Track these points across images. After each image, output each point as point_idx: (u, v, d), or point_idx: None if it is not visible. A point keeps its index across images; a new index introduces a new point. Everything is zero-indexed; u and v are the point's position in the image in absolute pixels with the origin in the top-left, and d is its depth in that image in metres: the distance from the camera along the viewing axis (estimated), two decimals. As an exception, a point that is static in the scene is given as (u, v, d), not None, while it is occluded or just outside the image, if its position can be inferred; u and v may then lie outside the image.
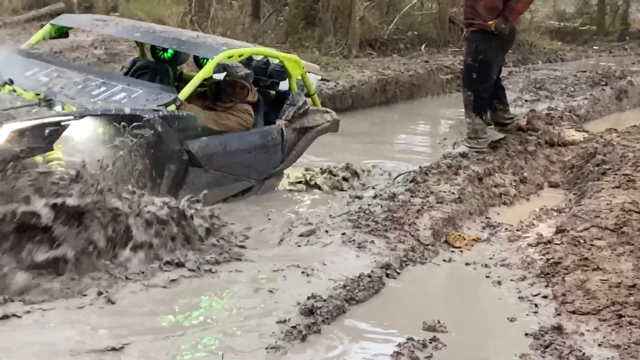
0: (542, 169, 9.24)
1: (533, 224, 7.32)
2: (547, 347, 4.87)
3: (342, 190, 8.21)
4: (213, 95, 7.80)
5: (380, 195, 7.64)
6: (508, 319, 5.40)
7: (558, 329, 5.05)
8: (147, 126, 6.47)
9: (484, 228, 7.35)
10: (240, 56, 7.43)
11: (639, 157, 8.41)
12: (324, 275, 5.82)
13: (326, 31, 16.68)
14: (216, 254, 5.96)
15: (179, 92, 6.96)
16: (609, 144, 9.12)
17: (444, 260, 6.49)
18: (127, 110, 6.43)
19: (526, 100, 13.45)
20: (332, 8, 16.92)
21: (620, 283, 5.51)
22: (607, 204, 6.94)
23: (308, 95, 8.22)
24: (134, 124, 6.40)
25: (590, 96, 13.56)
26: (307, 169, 8.66)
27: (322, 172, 8.59)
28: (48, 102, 6.41)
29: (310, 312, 5.11)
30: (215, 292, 5.49)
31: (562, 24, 23.68)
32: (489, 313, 5.70)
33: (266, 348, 4.67)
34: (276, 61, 8.23)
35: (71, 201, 5.39)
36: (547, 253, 6.25)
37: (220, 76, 7.47)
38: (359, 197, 7.78)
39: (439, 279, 6.31)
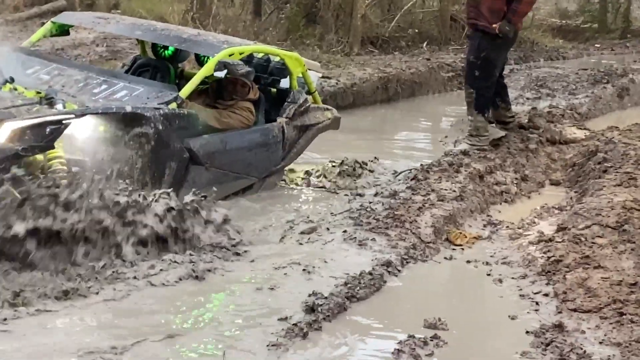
0: (543, 167, 9.24)
1: (534, 222, 7.32)
2: (548, 345, 4.87)
3: (346, 188, 8.19)
4: (214, 92, 7.79)
5: (382, 192, 7.65)
6: (509, 316, 5.40)
7: (559, 326, 5.05)
8: (148, 124, 6.47)
9: (485, 226, 7.35)
10: (241, 54, 7.42)
11: (641, 155, 8.41)
12: (325, 272, 5.82)
13: (327, 29, 16.67)
14: (217, 252, 5.96)
15: (180, 90, 6.96)
16: (610, 142, 9.11)
17: (445, 258, 6.49)
18: (129, 109, 6.43)
19: (528, 98, 13.44)
20: (334, 5, 16.92)
21: (621, 281, 5.51)
22: (609, 201, 6.93)
23: (309, 92, 8.22)
24: (135, 122, 6.41)
25: (591, 94, 13.55)
26: (311, 167, 8.67)
27: (324, 169, 8.60)
28: (49, 101, 6.40)
29: (311, 309, 5.12)
30: (216, 290, 5.49)
31: (563, 21, 23.66)
32: (490, 311, 5.70)
33: (267, 345, 4.67)
34: (277, 59, 8.22)
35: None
36: (548, 251, 6.25)
37: (221, 74, 7.46)
38: (360, 195, 7.79)
39: (440, 276, 6.31)
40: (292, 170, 8.37)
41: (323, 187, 8.21)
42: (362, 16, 16.63)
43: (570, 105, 12.29)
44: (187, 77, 7.94)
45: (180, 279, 5.48)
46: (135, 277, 5.40)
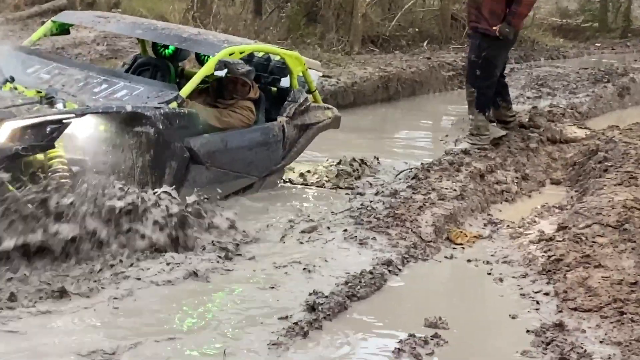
0: (544, 166, 9.24)
1: (535, 221, 7.31)
2: (548, 344, 4.87)
3: (346, 187, 8.19)
4: (215, 92, 7.79)
5: (382, 191, 7.65)
6: (509, 315, 5.40)
7: (559, 326, 5.05)
8: (149, 123, 6.47)
9: (485, 225, 7.35)
10: (241, 53, 7.42)
11: (641, 154, 8.41)
12: (325, 271, 5.82)
13: (328, 28, 16.67)
14: (218, 251, 5.96)
15: (180, 89, 6.95)
16: (610, 141, 9.10)
17: (446, 257, 6.49)
18: (129, 108, 6.42)
19: (528, 97, 13.44)
20: (334, 5, 16.91)
21: (621, 280, 5.51)
22: (609, 201, 6.93)
23: (309, 91, 8.22)
24: (136, 121, 6.41)
25: (592, 93, 13.54)
26: (311, 166, 8.67)
27: (326, 168, 8.60)
28: (49, 100, 6.40)
29: (312, 308, 5.12)
30: (217, 289, 5.49)
31: (564, 20, 23.65)
32: (491, 310, 5.70)
33: (268, 344, 4.67)
34: (277, 58, 8.22)
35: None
36: (549, 250, 6.25)
37: (221, 73, 7.47)
38: (361, 194, 7.78)
39: (441, 275, 6.31)
40: (292, 169, 8.36)
41: (323, 186, 8.21)
42: (362, 15, 16.62)
43: (570, 105, 12.29)
44: (188, 76, 7.94)
45: (181, 279, 5.48)
46: (136, 277, 5.39)
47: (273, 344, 4.67)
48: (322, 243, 6.39)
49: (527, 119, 10.25)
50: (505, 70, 10.11)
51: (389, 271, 5.90)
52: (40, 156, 6.06)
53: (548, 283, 5.78)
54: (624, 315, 5.09)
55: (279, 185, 8.04)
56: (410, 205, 7.09)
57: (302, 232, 6.62)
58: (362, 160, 8.82)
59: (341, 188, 8.13)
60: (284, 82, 8.21)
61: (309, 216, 7.06)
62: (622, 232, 6.31)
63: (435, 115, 13.27)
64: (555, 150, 9.72)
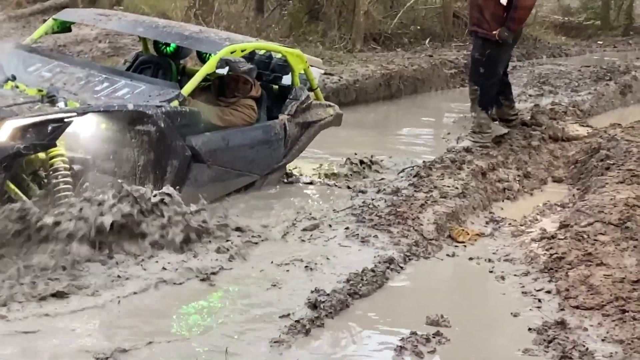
0: (545, 164, 9.23)
1: (537, 219, 7.31)
2: (550, 342, 4.88)
3: (353, 186, 8.19)
4: (216, 90, 7.79)
5: (384, 189, 7.64)
6: (511, 313, 5.40)
7: (561, 324, 5.05)
8: (150, 122, 6.47)
9: (487, 223, 7.35)
10: (243, 51, 7.42)
11: (643, 152, 8.40)
12: (327, 269, 5.83)
13: (330, 25, 16.65)
14: (220, 249, 5.96)
15: (182, 86, 6.95)
16: (613, 139, 9.09)
17: (448, 255, 6.49)
18: (130, 107, 6.42)
19: (530, 95, 13.42)
20: (336, 2, 16.89)
21: (623, 278, 5.51)
22: (611, 199, 6.93)
23: (311, 89, 8.21)
24: (137, 120, 6.41)
25: (594, 91, 13.52)
26: (313, 164, 8.68)
27: (328, 166, 8.62)
28: (51, 99, 6.40)
29: (314, 306, 5.13)
30: (218, 288, 5.49)
31: (566, 18, 23.61)
32: (493, 308, 5.70)
33: (270, 342, 4.68)
34: (279, 55, 8.22)
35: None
36: (551, 248, 6.24)
37: (223, 71, 7.47)
38: (363, 192, 7.78)
39: (443, 273, 6.31)
40: (294, 167, 8.36)
41: (326, 184, 8.21)
42: (364, 13, 16.61)
43: (572, 103, 12.28)
44: (189, 74, 7.95)
45: (184, 279, 5.48)
46: (138, 278, 5.39)
47: (275, 342, 4.68)
48: (323, 241, 6.39)
49: (529, 117, 10.24)
50: (508, 68, 10.10)
51: (391, 269, 5.90)
52: (41, 155, 6.06)
53: (550, 281, 5.77)
54: (626, 314, 5.09)
55: (281, 183, 8.03)
56: (412, 203, 7.09)
57: (304, 230, 6.62)
58: (369, 159, 8.83)
59: (346, 187, 8.12)
60: (286, 79, 8.20)
61: (310, 214, 7.06)
62: (624, 230, 6.31)
63: (437, 113, 13.25)
64: (557, 148, 9.71)
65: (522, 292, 5.73)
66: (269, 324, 4.92)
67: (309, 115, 8.01)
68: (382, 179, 8.34)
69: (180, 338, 4.71)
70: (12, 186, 5.93)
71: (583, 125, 10.58)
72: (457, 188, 7.61)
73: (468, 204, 7.47)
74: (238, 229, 6.39)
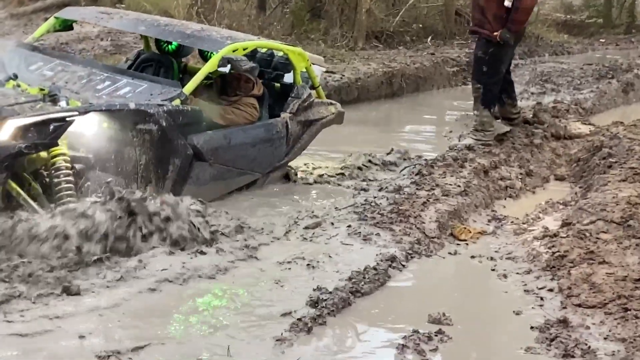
0: (548, 162, 9.23)
1: (539, 217, 7.31)
2: (552, 340, 4.87)
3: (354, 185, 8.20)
4: (218, 88, 7.79)
5: (386, 187, 7.64)
6: (513, 312, 5.39)
7: (563, 322, 5.05)
8: (152, 121, 6.47)
9: (489, 221, 7.35)
10: (244, 49, 7.41)
11: (646, 150, 8.39)
12: (329, 267, 5.83)
13: (332, 23, 16.65)
14: (221, 248, 5.96)
15: (183, 84, 6.95)
16: (615, 137, 9.09)
17: (450, 253, 6.49)
18: (132, 105, 6.42)
19: (532, 93, 13.42)
20: (338, 0, 16.89)
21: (626, 276, 5.50)
22: (613, 197, 6.92)
23: (313, 87, 8.21)
24: (139, 118, 6.41)
25: (596, 89, 13.51)
26: (316, 162, 8.69)
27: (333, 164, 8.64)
28: (52, 98, 6.40)
29: (315, 304, 5.12)
30: (221, 285, 5.49)
31: (568, 16, 23.59)
32: (495, 306, 5.70)
33: (272, 340, 4.67)
34: (281, 53, 8.22)
35: None
36: (553, 246, 6.24)
37: (225, 69, 7.46)
38: (365, 190, 7.78)
39: (445, 271, 6.31)
40: (295, 166, 8.36)
41: (328, 182, 8.21)
42: (366, 11, 16.60)
43: (575, 100, 12.27)
44: (191, 72, 7.95)
45: (186, 277, 5.47)
46: (141, 278, 5.38)
47: (277, 340, 4.68)
48: (326, 239, 6.39)
49: (531, 115, 10.23)
50: (511, 67, 10.10)
51: (393, 267, 5.90)
52: (43, 154, 6.06)
53: (552, 279, 5.77)
54: (628, 312, 5.09)
55: (283, 181, 8.04)
56: (414, 201, 7.09)
57: (306, 228, 6.63)
58: (376, 157, 8.86)
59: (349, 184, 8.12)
60: (288, 78, 8.20)
61: (312, 212, 7.06)
62: (627, 228, 6.30)
63: (439, 111, 13.24)
64: (560, 146, 9.70)
65: (525, 291, 5.73)
66: (271, 322, 4.92)
67: (311, 114, 8.01)
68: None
69: (182, 337, 4.71)
70: (14, 185, 5.93)
71: (585, 124, 10.57)
72: (459, 186, 7.61)
73: (470, 202, 7.47)
74: (240, 227, 6.39)
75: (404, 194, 7.31)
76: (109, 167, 6.38)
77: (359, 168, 8.57)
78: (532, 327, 5.10)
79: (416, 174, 7.92)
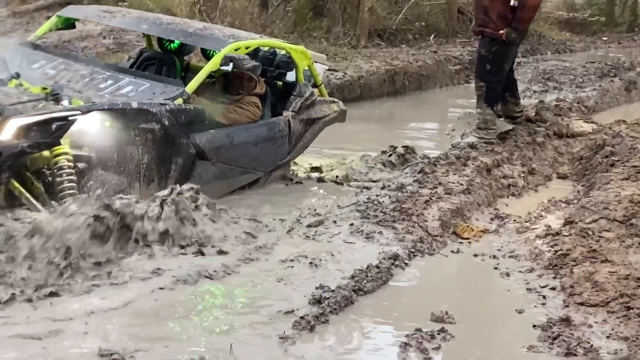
0: (550, 161, 9.22)
1: (541, 216, 7.31)
2: (555, 338, 4.87)
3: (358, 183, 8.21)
4: (221, 87, 7.79)
5: (389, 186, 7.64)
6: (516, 310, 5.39)
7: (566, 320, 5.05)
8: (154, 120, 6.47)
9: (492, 219, 7.34)
10: (247, 48, 7.42)
11: (648, 149, 8.39)
12: (332, 266, 5.82)
13: (334, 21, 16.66)
14: (223, 246, 5.96)
15: (186, 82, 6.95)
16: (617, 136, 9.09)
17: (452, 252, 6.49)
18: (134, 104, 6.42)
19: (535, 91, 13.42)
20: (341, -2, 16.92)
21: (628, 275, 5.49)
22: (616, 195, 6.92)
23: (315, 85, 8.21)
24: (142, 117, 6.41)
25: (599, 87, 13.51)
26: (320, 160, 8.70)
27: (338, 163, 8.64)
28: (55, 97, 6.41)
29: (318, 302, 5.12)
30: (223, 283, 5.49)
31: (571, 14, 23.59)
32: (497, 304, 5.70)
33: (275, 338, 4.67)
34: (283, 52, 8.22)
35: None
36: (556, 245, 6.24)
37: (227, 67, 7.47)
38: (367, 188, 7.79)
39: (447, 270, 6.31)
40: (298, 164, 8.36)
41: (330, 180, 8.22)
42: (369, 9, 16.61)
43: (577, 99, 12.26)
44: (193, 70, 7.95)
45: (187, 277, 5.47)
46: (142, 279, 5.38)
47: (280, 338, 4.68)
48: (328, 237, 6.39)
49: (533, 113, 10.22)
50: (513, 65, 10.10)
51: (396, 265, 5.90)
52: (46, 153, 6.07)
53: (554, 278, 5.77)
54: (631, 310, 5.08)
55: (285, 180, 8.04)
56: (416, 200, 7.08)
57: (309, 226, 6.62)
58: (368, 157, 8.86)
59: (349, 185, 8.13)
60: (290, 76, 8.20)
61: (315, 210, 7.06)
62: (629, 226, 6.30)
63: (441, 109, 13.25)
64: (562, 145, 9.70)
65: (527, 289, 5.72)
66: (274, 321, 4.91)
67: (313, 112, 8.01)
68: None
69: (184, 336, 4.71)
70: (17, 184, 5.94)
71: (588, 122, 10.57)
72: (461, 184, 7.61)
73: (473, 201, 7.47)
74: (242, 226, 6.38)
75: (407, 192, 7.31)
76: (112, 166, 6.39)
77: (362, 166, 8.58)
78: (534, 326, 5.09)
79: (419, 172, 7.91)
